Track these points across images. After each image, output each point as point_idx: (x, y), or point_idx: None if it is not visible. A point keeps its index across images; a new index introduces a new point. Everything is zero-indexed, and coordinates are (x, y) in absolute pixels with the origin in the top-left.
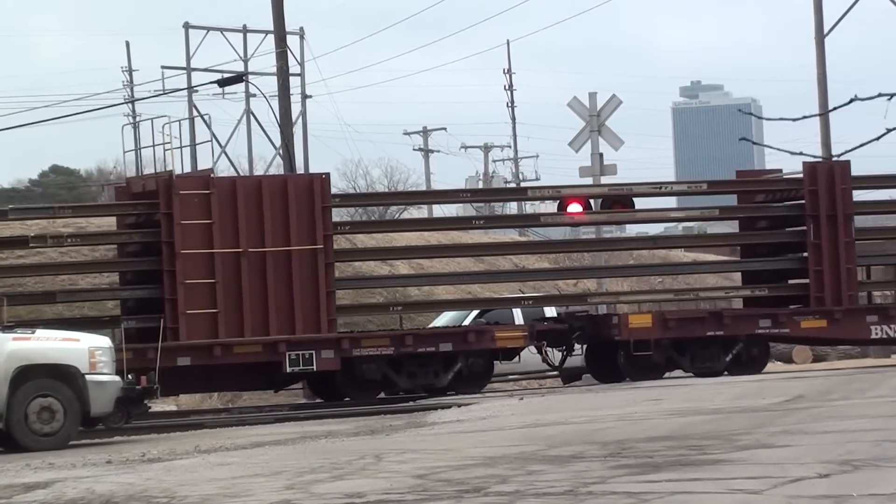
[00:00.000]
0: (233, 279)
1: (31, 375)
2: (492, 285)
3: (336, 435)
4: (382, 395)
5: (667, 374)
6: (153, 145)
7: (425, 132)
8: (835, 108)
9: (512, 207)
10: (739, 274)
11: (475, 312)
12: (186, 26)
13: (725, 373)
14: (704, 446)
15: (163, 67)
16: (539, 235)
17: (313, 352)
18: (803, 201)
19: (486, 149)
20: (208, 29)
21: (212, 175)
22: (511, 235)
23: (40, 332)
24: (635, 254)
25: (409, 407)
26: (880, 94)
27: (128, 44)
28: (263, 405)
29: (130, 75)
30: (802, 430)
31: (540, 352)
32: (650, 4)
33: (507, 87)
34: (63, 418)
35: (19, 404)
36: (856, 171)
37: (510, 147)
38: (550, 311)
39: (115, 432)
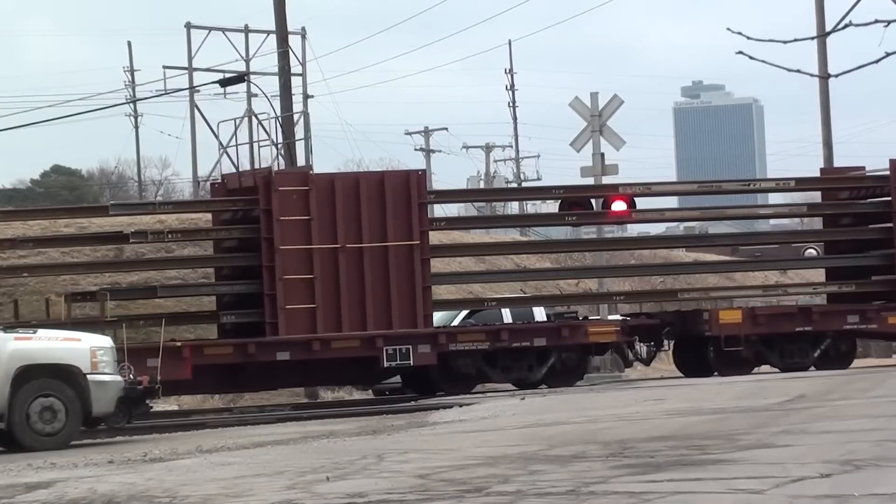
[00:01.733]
0: (330, 275)
1: (32, 375)
2: (492, 284)
3: (338, 435)
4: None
5: (755, 370)
6: (250, 142)
7: (426, 132)
8: (830, 32)
9: (513, 207)
10: (739, 274)
11: (465, 312)
12: (188, 26)
13: (812, 368)
14: (706, 446)
15: (164, 67)
16: (540, 235)
17: (410, 347)
18: (889, 198)
19: (488, 149)
20: (210, 29)
21: (310, 172)
22: (511, 235)
23: (42, 332)
24: (636, 253)
25: (411, 407)
26: (876, 21)
27: (129, 44)
28: (265, 405)
29: (132, 75)
30: (804, 430)
31: (630, 347)
32: (651, 4)
33: (508, 87)
34: (65, 418)
35: (21, 404)
36: None
37: (511, 147)
38: (539, 313)
39: (117, 432)
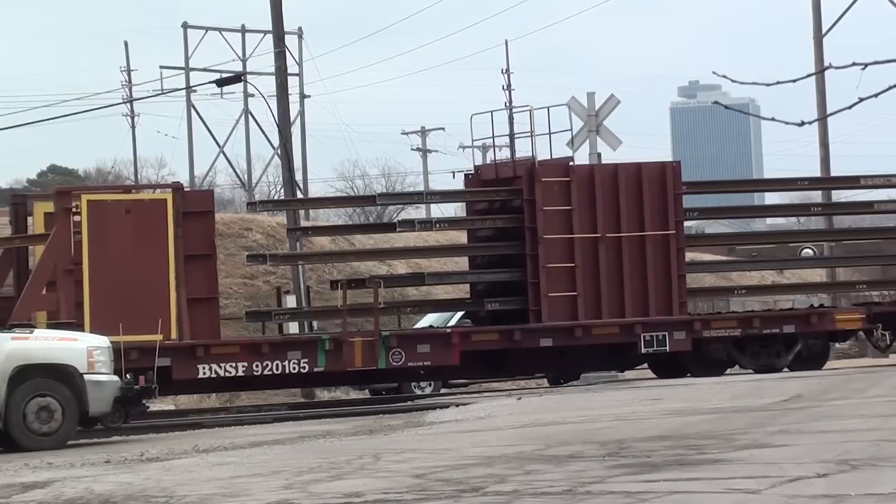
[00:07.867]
0: (591, 263)
1: (29, 375)
2: None
3: (334, 434)
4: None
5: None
6: (511, 134)
7: (423, 132)
8: (809, 75)
9: None
10: (736, 274)
11: (461, 313)
12: (185, 26)
13: None
14: (702, 446)
15: (161, 67)
16: None
17: (666, 333)
18: None
19: (485, 149)
20: (207, 29)
21: (571, 163)
22: None
23: (38, 332)
24: None
25: (408, 406)
26: (854, 63)
27: (126, 44)
28: (262, 405)
29: (129, 75)
30: (800, 430)
31: (870, 334)
32: (648, 4)
33: (505, 87)
34: (61, 418)
35: (18, 404)
36: None
37: (508, 147)
38: None
39: (114, 432)
